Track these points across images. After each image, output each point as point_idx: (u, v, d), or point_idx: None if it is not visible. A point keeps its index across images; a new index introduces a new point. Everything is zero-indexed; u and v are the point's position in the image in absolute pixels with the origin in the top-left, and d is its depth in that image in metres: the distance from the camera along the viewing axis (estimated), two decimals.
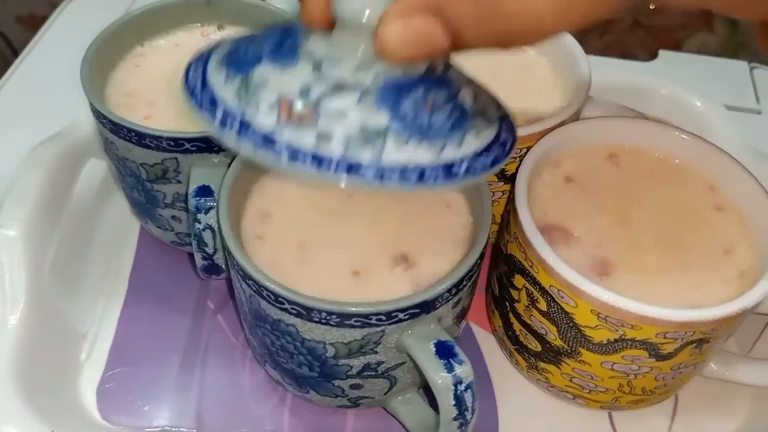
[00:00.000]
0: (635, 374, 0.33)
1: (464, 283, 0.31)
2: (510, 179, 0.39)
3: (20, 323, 0.37)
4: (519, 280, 0.34)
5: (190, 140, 0.35)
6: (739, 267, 0.33)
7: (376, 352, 0.31)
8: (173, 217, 0.40)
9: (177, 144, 0.35)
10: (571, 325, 0.32)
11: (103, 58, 0.39)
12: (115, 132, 0.36)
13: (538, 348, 0.35)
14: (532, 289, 0.33)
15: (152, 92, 0.40)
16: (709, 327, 0.30)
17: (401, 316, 0.29)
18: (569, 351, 0.34)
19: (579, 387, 0.35)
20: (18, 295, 0.37)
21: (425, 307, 0.30)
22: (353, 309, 0.29)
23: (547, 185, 0.36)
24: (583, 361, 0.33)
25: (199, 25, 0.43)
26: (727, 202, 0.36)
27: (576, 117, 0.38)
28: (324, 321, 0.29)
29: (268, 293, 0.30)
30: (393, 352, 0.31)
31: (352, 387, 0.34)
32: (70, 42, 0.43)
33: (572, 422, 0.38)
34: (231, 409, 0.38)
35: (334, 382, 0.33)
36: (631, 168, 0.37)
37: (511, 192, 0.35)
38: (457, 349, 0.29)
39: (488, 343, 0.41)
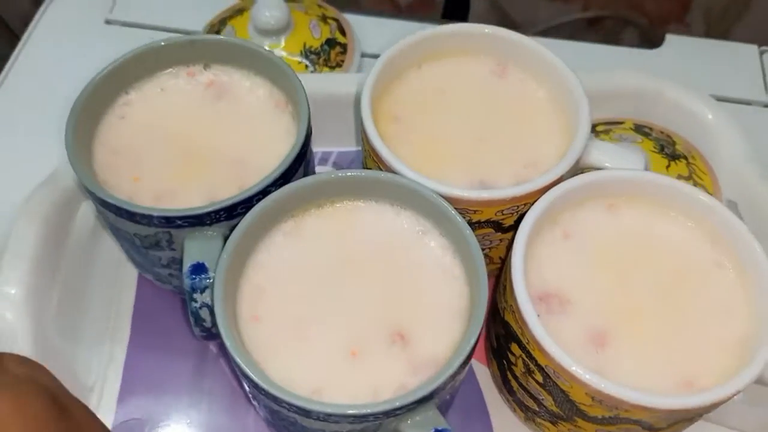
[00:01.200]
0: None
1: (461, 368, 0.31)
2: (507, 230, 0.38)
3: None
4: (516, 349, 0.34)
5: (181, 218, 0.34)
6: (737, 332, 0.33)
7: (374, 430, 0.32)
8: (170, 274, 0.40)
9: (168, 221, 0.34)
10: (566, 399, 0.33)
11: (89, 113, 0.38)
12: (106, 207, 0.35)
13: (535, 408, 0.36)
14: (529, 362, 0.33)
15: (139, 148, 0.39)
16: (701, 411, 0.31)
17: (398, 411, 0.30)
18: (565, 417, 0.34)
19: None
20: (24, 352, 0.38)
21: (423, 401, 0.30)
22: (350, 411, 0.29)
23: (545, 244, 0.36)
24: (579, 427, 0.34)
25: (184, 66, 0.41)
26: (727, 259, 0.35)
27: (576, 164, 0.37)
28: (322, 419, 0.30)
29: (266, 394, 0.30)
30: None
31: None
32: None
33: None
34: None
35: None
36: (630, 219, 0.37)
37: (508, 257, 0.34)
38: None
39: (487, 377, 0.42)
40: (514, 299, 0.33)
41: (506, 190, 0.35)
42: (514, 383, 0.36)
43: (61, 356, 0.40)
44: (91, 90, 0.38)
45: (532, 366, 0.33)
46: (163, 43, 0.40)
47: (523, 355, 0.33)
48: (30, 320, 0.38)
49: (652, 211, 0.37)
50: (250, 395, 0.34)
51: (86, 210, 0.45)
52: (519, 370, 0.35)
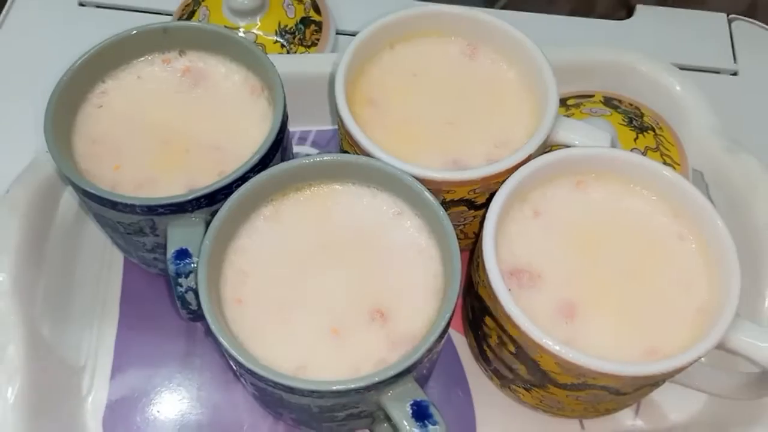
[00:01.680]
0: (600, 401, 0.36)
1: (437, 342, 0.33)
2: (479, 207, 0.40)
3: (19, 367, 0.39)
4: (490, 322, 0.36)
5: (163, 205, 0.35)
6: (697, 302, 0.35)
7: (357, 407, 0.34)
8: (155, 258, 0.41)
9: (150, 209, 0.35)
10: (537, 368, 0.34)
11: (67, 103, 0.39)
12: (88, 197, 0.36)
13: (510, 376, 0.38)
14: (502, 334, 0.35)
15: (118, 137, 0.39)
16: (664, 377, 0.33)
17: (379, 385, 0.31)
18: (538, 384, 0.36)
19: (548, 406, 0.38)
20: (15, 341, 0.39)
21: (401, 374, 0.32)
22: (334, 387, 0.31)
23: (515, 222, 0.37)
24: (551, 393, 0.36)
25: (159, 53, 0.42)
26: (690, 232, 0.37)
27: (544, 143, 0.39)
28: (306, 395, 0.31)
29: (252, 372, 0.31)
30: (374, 405, 0.34)
31: (340, 425, 0.36)
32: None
33: (544, 422, 0.42)
34: None
35: (323, 423, 0.36)
36: (598, 195, 0.38)
37: (480, 234, 0.36)
38: (432, 410, 0.32)
39: (464, 346, 0.44)
40: (486, 275, 0.34)
41: (477, 170, 0.37)
42: (489, 353, 0.38)
43: (51, 339, 0.41)
44: (68, 80, 0.39)
45: (505, 338, 0.35)
46: (136, 32, 0.40)
47: (497, 328, 0.35)
48: (18, 306, 0.40)
49: (618, 187, 0.38)
50: (237, 374, 0.36)
51: (69, 196, 0.45)
52: (494, 341, 0.37)
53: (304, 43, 0.55)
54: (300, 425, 0.38)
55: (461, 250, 0.44)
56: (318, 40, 0.56)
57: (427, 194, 0.35)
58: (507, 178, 0.37)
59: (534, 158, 0.38)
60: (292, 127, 0.52)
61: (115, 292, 0.45)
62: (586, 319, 0.35)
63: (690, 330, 0.34)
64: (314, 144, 0.52)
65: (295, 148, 0.52)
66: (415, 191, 0.36)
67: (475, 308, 0.38)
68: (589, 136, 0.39)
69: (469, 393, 0.43)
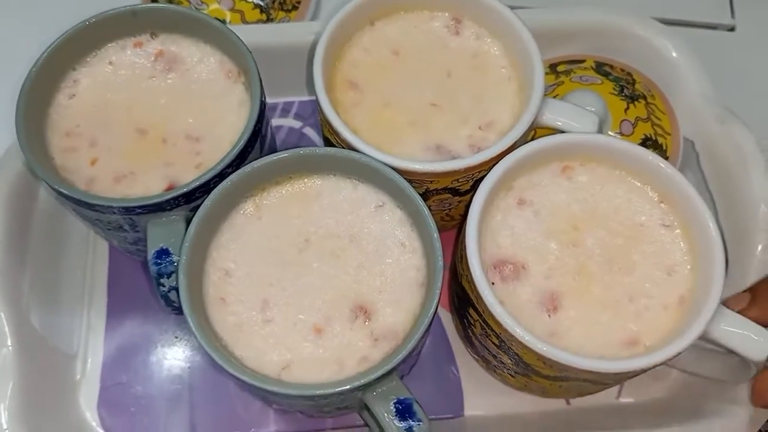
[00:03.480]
0: (583, 389, 0.36)
1: (421, 339, 0.33)
2: (464, 194, 0.39)
3: (11, 359, 0.39)
4: (473, 314, 0.36)
5: (140, 206, 0.35)
6: (680, 291, 0.35)
7: (343, 403, 0.34)
8: (138, 250, 0.40)
9: (128, 210, 0.35)
10: (521, 360, 0.35)
11: (39, 96, 0.38)
12: (66, 198, 0.35)
13: (494, 363, 0.38)
14: (485, 327, 0.35)
15: (93, 127, 0.38)
16: (645, 370, 0.33)
17: (363, 386, 0.32)
18: (522, 373, 0.36)
19: (533, 390, 0.39)
20: (5, 333, 0.39)
21: (385, 375, 0.32)
22: (317, 392, 0.31)
23: (500, 210, 0.37)
24: (535, 381, 0.37)
25: (130, 36, 0.40)
26: (675, 218, 0.36)
27: (530, 127, 0.38)
28: (290, 398, 0.32)
29: (233, 377, 0.32)
30: (359, 401, 0.34)
31: (327, 413, 0.37)
32: None
33: (530, 400, 0.42)
34: (222, 415, 0.42)
35: (310, 413, 0.37)
36: (584, 181, 0.37)
37: (464, 227, 0.35)
38: (416, 408, 0.32)
39: (452, 324, 0.44)
40: (469, 270, 0.34)
41: (460, 161, 0.36)
42: (474, 340, 0.39)
43: (40, 329, 0.42)
44: (37, 71, 0.37)
45: (488, 331, 0.35)
46: (104, 16, 0.39)
47: (480, 321, 0.35)
48: (5, 300, 0.40)
49: (604, 173, 0.37)
50: None
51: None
52: (478, 331, 0.37)
53: (285, 7, 0.53)
54: (288, 412, 0.39)
55: (448, 230, 0.45)
56: (299, 3, 0.53)
57: (409, 188, 0.35)
58: (492, 166, 0.37)
59: (519, 143, 0.37)
60: (275, 99, 0.51)
61: (102, 279, 0.45)
62: (569, 310, 0.35)
63: (672, 320, 0.34)
64: (297, 116, 0.51)
65: (278, 121, 0.51)
66: (396, 184, 0.35)
67: (460, 297, 0.38)
68: (577, 119, 0.38)
69: (456, 371, 0.43)
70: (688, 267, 0.35)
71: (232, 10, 0.51)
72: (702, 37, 0.55)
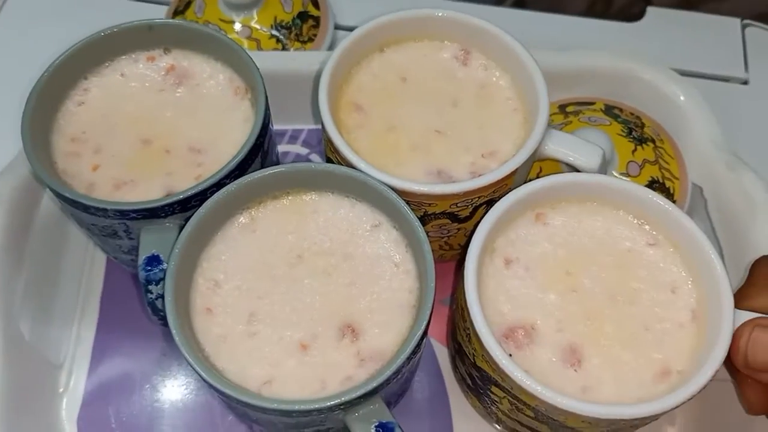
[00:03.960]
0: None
1: (407, 361, 0.32)
2: (463, 220, 0.38)
3: None
4: (498, 392, 0.34)
5: (135, 210, 0.35)
6: (690, 306, 0.34)
7: (323, 425, 0.33)
8: (132, 260, 0.40)
9: (123, 214, 0.35)
10: (563, 426, 0.33)
11: (47, 100, 0.38)
12: (62, 199, 0.36)
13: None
14: (516, 402, 0.33)
15: (98, 135, 0.39)
16: (689, 400, 0.31)
17: (343, 406, 0.31)
18: None
19: None
20: None
21: (368, 395, 0.31)
22: (297, 407, 0.30)
23: (492, 277, 0.35)
24: None
25: (144, 50, 0.41)
26: (658, 235, 0.36)
27: (533, 156, 0.37)
28: (269, 413, 0.31)
29: (213, 388, 0.31)
30: (340, 423, 0.33)
31: None
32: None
33: None
34: None
35: None
36: (559, 223, 0.36)
37: (462, 303, 0.34)
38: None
39: (446, 358, 0.43)
40: (484, 349, 0.32)
41: (459, 184, 0.35)
42: (503, 416, 0.36)
43: (30, 335, 0.41)
44: (48, 77, 0.38)
45: (519, 405, 0.33)
46: (120, 28, 0.40)
47: (508, 397, 0.33)
48: None
49: (576, 210, 0.36)
50: None
51: (51, 195, 0.45)
52: (506, 407, 0.35)
53: (301, 39, 0.54)
54: None
55: (447, 261, 0.44)
56: (315, 35, 0.55)
57: (406, 208, 0.34)
58: (491, 191, 0.36)
59: (521, 172, 0.37)
60: (284, 125, 0.51)
61: (96, 291, 0.45)
62: (592, 359, 0.33)
63: (693, 336, 0.33)
64: (305, 143, 0.51)
65: (286, 147, 0.51)
66: (393, 204, 0.35)
67: (476, 378, 0.36)
68: (579, 150, 0.38)
69: (448, 407, 0.42)
70: (690, 280, 0.34)
71: (249, 38, 0.52)
72: (715, 89, 0.55)
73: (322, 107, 0.37)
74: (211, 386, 0.31)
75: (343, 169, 0.36)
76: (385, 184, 0.35)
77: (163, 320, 0.36)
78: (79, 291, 0.45)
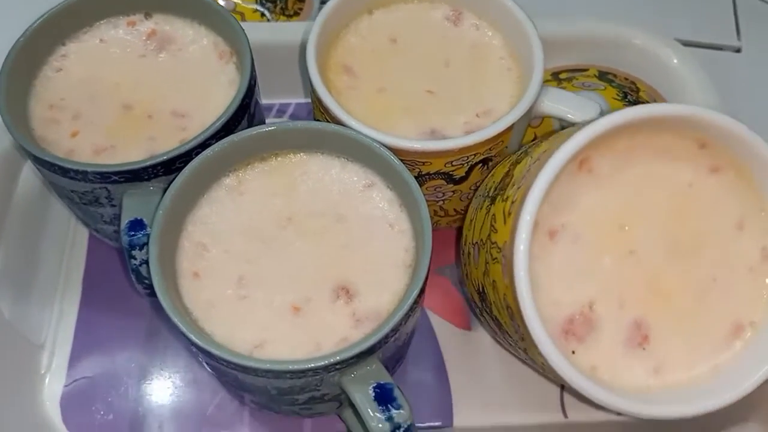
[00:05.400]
0: None
1: (404, 321, 0.31)
2: (458, 182, 0.37)
3: None
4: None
5: (117, 173, 0.33)
6: (760, 242, 0.31)
7: (318, 389, 0.31)
8: (115, 231, 0.39)
9: (104, 176, 0.33)
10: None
11: (24, 66, 0.37)
12: (39, 164, 0.34)
13: None
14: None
15: (78, 101, 0.37)
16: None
17: (339, 366, 0.29)
18: None
19: None
20: None
21: (364, 354, 0.30)
22: (290, 367, 0.29)
23: (538, 260, 0.30)
24: None
25: (124, 15, 0.40)
26: (722, 160, 0.30)
27: (529, 113, 0.36)
28: (261, 375, 0.29)
29: (203, 351, 0.29)
30: (336, 387, 0.31)
31: (303, 409, 0.34)
32: None
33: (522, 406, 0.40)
34: (193, 416, 0.39)
35: (284, 406, 0.34)
36: (606, 168, 0.31)
37: (512, 296, 0.29)
38: (396, 393, 0.30)
39: (445, 330, 0.42)
40: (540, 354, 0.28)
41: (454, 140, 0.34)
42: None
43: (10, 314, 0.40)
44: (24, 42, 0.36)
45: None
46: None
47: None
48: None
49: (624, 148, 0.30)
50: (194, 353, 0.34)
51: (31, 173, 0.43)
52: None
53: (286, 13, 0.53)
54: (262, 408, 0.36)
55: (441, 228, 0.43)
56: (301, 9, 0.53)
57: (400, 165, 0.33)
58: (487, 149, 0.35)
59: (517, 129, 0.36)
60: (270, 100, 0.50)
61: (78, 271, 0.43)
62: (659, 329, 0.30)
63: (763, 278, 0.30)
64: (293, 116, 0.50)
65: (273, 121, 0.49)
66: (386, 161, 0.34)
67: (525, 359, 0.33)
68: (577, 107, 0.37)
69: (447, 379, 0.41)
70: (756, 211, 0.30)
71: (233, 12, 0.51)
72: (709, 57, 0.54)
73: (311, 67, 0.36)
74: (200, 350, 0.29)
75: (334, 126, 0.34)
76: (378, 142, 0.34)
77: (148, 289, 0.35)
78: (61, 269, 0.43)
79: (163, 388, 0.40)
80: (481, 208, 0.34)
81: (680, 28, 0.55)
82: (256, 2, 0.52)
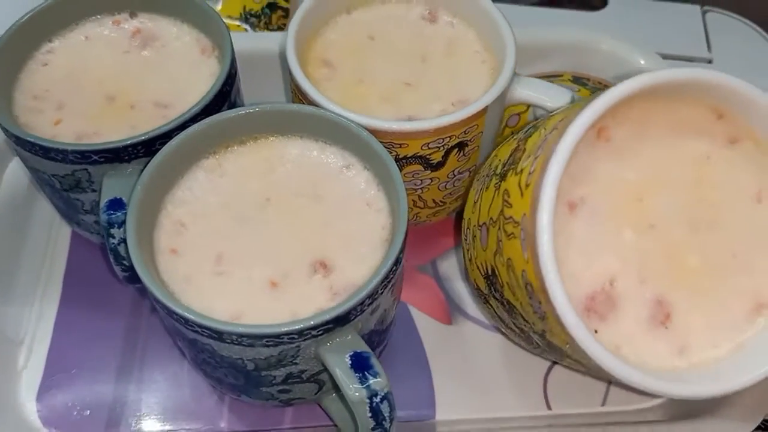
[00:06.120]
0: None
1: (380, 291, 0.31)
2: (436, 167, 0.38)
3: None
4: (571, 362, 0.31)
5: (97, 152, 0.34)
6: None
7: (296, 363, 0.31)
8: (96, 222, 0.39)
9: (84, 156, 0.34)
10: None
11: (9, 59, 0.38)
12: (21, 145, 0.34)
13: None
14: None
15: (62, 93, 0.38)
16: None
17: (314, 332, 0.29)
18: None
19: None
20: None
21: (339, 321, 0.29)
22: (265, 330, 0.28)
23: (558, 234, 0.28)
24: None
25: (110, 14, 0.41)
26: (740, 130, 0.30)
27: (502, 100, 0.37)
28: (237, 342, 0.29)
29: (178, 317, 0.29)
30: (314, 362, 0.31)
31: (281, 392, 0.34)
32: None
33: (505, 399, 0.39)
34: (171, 410, 0.39)
35: (261, 388, 0.34)
36: (623, 136, 0.30)
37: (536, 270, 0.27)
38: (373, 361, 0.29)
39: (429, 326, 0.42)
40: (565, 330, 0.27)
41: (429, 121, 0.35)
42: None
43: None
44: (9, 37, 0.37)
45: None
46: None
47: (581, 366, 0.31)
48: None
49: (642, 113, 0.30)
50: (171, 333, 0.33)
51: (15, 169, 0.44)
52: (570, 362, 0.32)
53: (270, 28, 0.54)
54: (241, 395, 0.35)
55: (421, 223, 0.43)
56: (284, 25, 0.55)
57: (377, 144, 0.34)
58: (462, 131, 0.36)
59: (491, 114, 0.37)
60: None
61: (59, 269, 0.43)
62: (681, 307, 0.29)
63: None
64: None
65: None
66: (363, 141, 0.34)
67: (539, 343, 0.32)
68: (549, 93, 0.38)
69: (429, 371, 0.40)
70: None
71: None
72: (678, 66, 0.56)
73: (290, 57, 0.37)
74: (177, 317, 0.29)
75: (312, 108, 0.35)
76: (356, 123, 0.35)
77: (127, 271, 0.35)
78: (43, 267, 0.43)
79: (141, 385, 0.39)
80: (487, 188, 0.33)
81: (653, 41, 0.57)
82: (241, 18, 0.53)
